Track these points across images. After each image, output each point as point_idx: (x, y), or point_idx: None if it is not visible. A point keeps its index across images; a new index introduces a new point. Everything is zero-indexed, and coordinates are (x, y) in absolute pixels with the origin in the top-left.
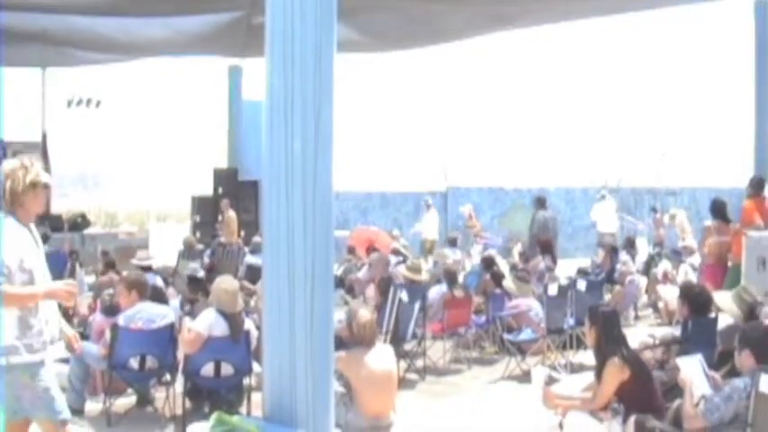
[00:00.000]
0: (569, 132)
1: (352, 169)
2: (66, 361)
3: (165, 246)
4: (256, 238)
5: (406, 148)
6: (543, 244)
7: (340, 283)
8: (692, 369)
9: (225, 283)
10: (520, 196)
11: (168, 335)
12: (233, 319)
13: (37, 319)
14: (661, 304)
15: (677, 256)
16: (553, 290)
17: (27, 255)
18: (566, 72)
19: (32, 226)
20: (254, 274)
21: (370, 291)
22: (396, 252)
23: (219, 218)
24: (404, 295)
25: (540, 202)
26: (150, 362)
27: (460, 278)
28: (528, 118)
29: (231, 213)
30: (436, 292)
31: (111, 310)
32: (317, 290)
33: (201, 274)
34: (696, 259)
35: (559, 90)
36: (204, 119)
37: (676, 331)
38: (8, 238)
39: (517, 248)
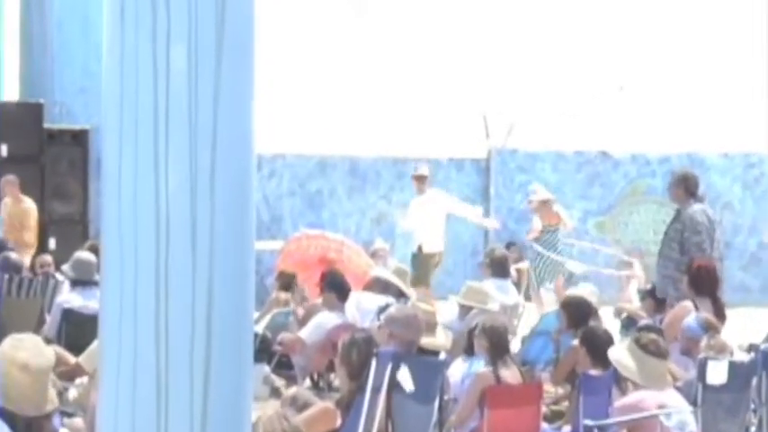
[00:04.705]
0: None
1: (298, 116)
2: None
3: None
4: (82, 255)
5: (407, 78)
6: (697, 274)
7: (263, 348)
8: None
9: (21, 349)
10: (643, 172)
11: None
12: None
13: None
14: None
15: None
16: (718, 373)
17: None
18: None
19: None
20: (78, 329)
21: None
22: (379, 285)
23: None
24: (403, 377)
25: (689, 186)
26: None
27: (515, 344)
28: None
29: (25, 202)
30: (463, 370)
31: None
32: (217, 365)
33: None
34: None
35: None
36: None
37: None
38: None
39: (636, 282)
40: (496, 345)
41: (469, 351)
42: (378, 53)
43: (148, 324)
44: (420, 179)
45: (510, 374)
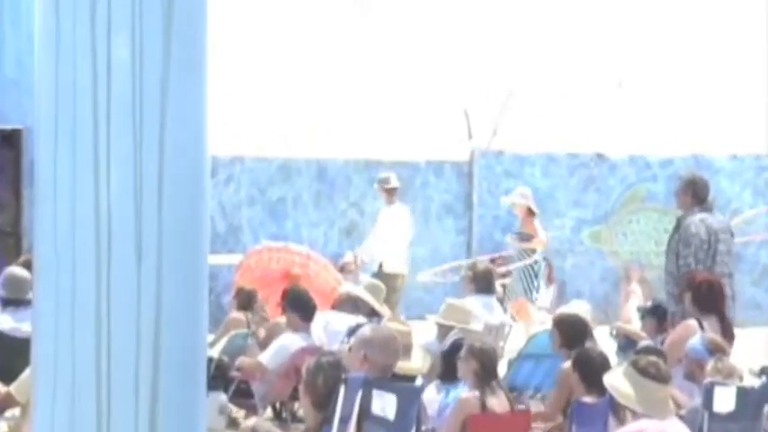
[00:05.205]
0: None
1: (258, 115)
2: None
3: None
4: (14, 271)
5: (382, 73)
6: (700, 290)
7: (219, 374)
8: None
9: None
10: (642, 176)
11: None
12: None
13: None
14: None
15: None
16: (726, 399)
17: None
18: None
19: None
20: (8, 355)
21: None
22: (349, 303)
23: None
24: (378, 404)
25: (697, 191)
26: None
27: (502, 366)
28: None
29: None
30: (439, 399)
31: None
32: (166, 394)
33: None
34: None
35: None
36: None
37: None
38: None
39: (635, 299)
40: (485, 369)
41: (445, 377)
42: (354, 48)
43: (88, 349)
44: (390, 191)
45: (497, 402)
